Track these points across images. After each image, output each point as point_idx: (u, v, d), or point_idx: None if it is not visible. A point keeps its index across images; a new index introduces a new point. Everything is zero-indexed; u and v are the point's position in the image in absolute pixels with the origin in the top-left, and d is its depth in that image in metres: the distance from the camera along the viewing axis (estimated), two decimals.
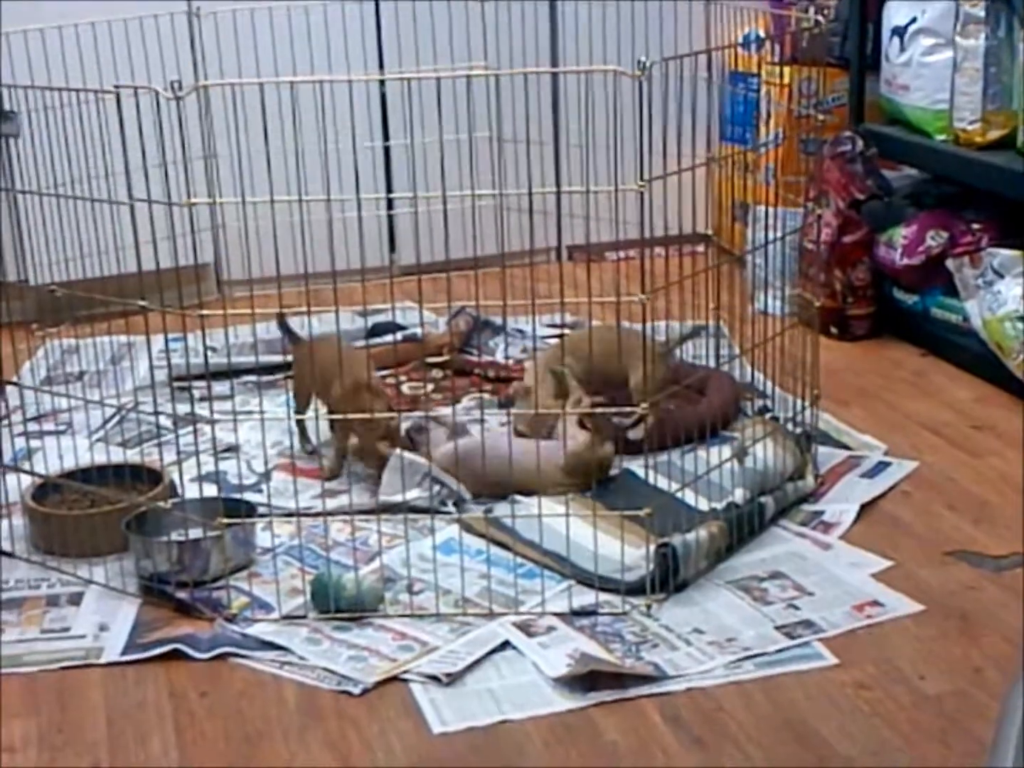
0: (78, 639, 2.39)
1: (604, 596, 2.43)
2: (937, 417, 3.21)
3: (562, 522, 2.47)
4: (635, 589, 2.43)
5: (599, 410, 2.79)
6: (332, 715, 2.17)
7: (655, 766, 2.03)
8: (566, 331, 3.54)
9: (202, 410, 2.95)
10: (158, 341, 3.05)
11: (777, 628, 2.35)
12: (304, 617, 2.41)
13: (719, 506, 2.62)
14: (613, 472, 2.85)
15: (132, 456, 3.01)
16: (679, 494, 2.60)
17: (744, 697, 2.18)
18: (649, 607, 2.41)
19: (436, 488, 2.76)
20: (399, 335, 3.58)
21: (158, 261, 2.39)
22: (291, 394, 3.09)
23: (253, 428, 3.05)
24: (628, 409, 2.75)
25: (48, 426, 3.16)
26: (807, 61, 3.66)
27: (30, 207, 2.90)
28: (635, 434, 2.92)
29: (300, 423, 3.04)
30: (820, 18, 2.80)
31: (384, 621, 2.39)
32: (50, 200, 2.78)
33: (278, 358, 3.36)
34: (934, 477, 2.91)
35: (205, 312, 2.39)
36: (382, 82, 4.04)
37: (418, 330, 3.54)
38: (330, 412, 2.93)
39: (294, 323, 3.43)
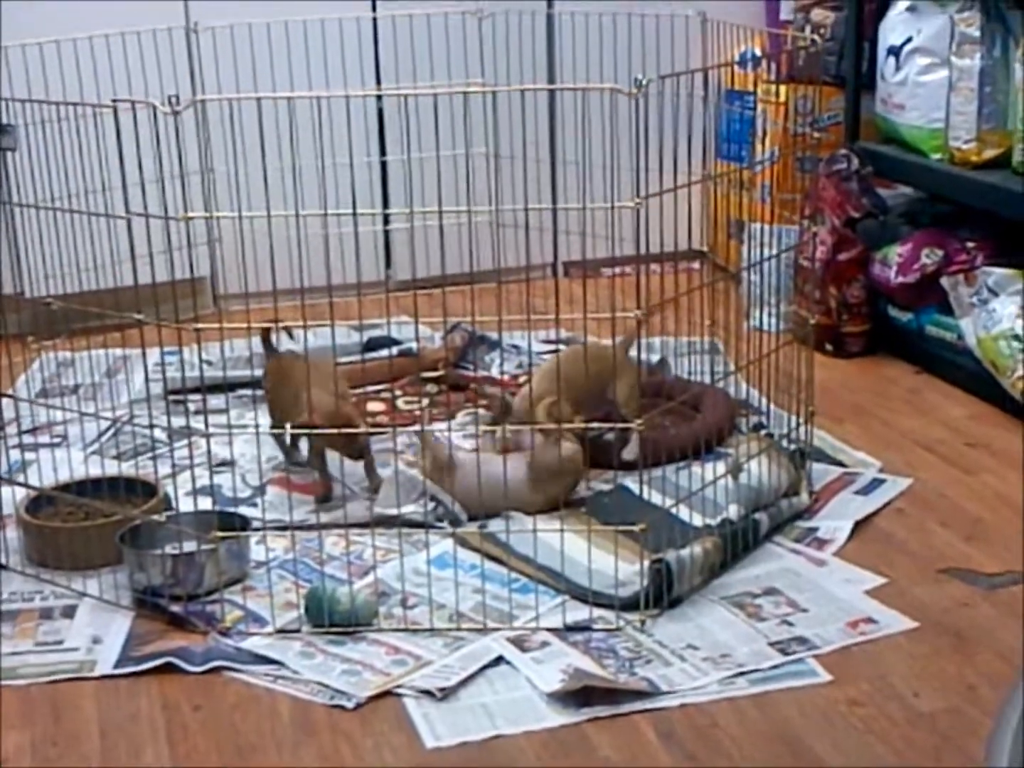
0: (71, 652, 2.39)
1: (598, 611, 2.43)
2: (931, 435, 3.21)
3: (556, 537, 2.48)
4: (629, 605, 2.43)
5: (596, 425, 2.80)
6: (325, 729, 2.17)
7: None
8: (558, 349, 3.55)
9: (197, 423, 2.96)
10: (154, 354, 3.05)
11: (771, 644, 2.35)
12: (298, 631, 2.41)
13: (713, 522, 2.62)
14: (607, 487, 2.85)
15: (127, 469, 3.00)
16: (673, 510, 2.60)
17: (738, 713, 2.18)
18: (643, 623, 2.41)
19: (431, 506, 2.76)
20: (395, 350, 3.58)
21: (154, 275, 2.39)
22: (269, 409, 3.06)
23: (248, 442, 3.05)
24: (622, 426, 2.75)
25: (43, 438, 3.16)
26: (803, 80, 3.67)
27: (27, 220, 2.91)
28: (629, 453, 2.91)
29: (280, 437, 3.04)
30: (816, 37, 2.81)
31: (378, 635, 2.39)
32: (47, 213, 2.79)
33: None
34: (928, 494, 2.91)
35: (201, 326, 2.39)
36: (379, 98, 4.05)
37: (414, 345, 3.54)
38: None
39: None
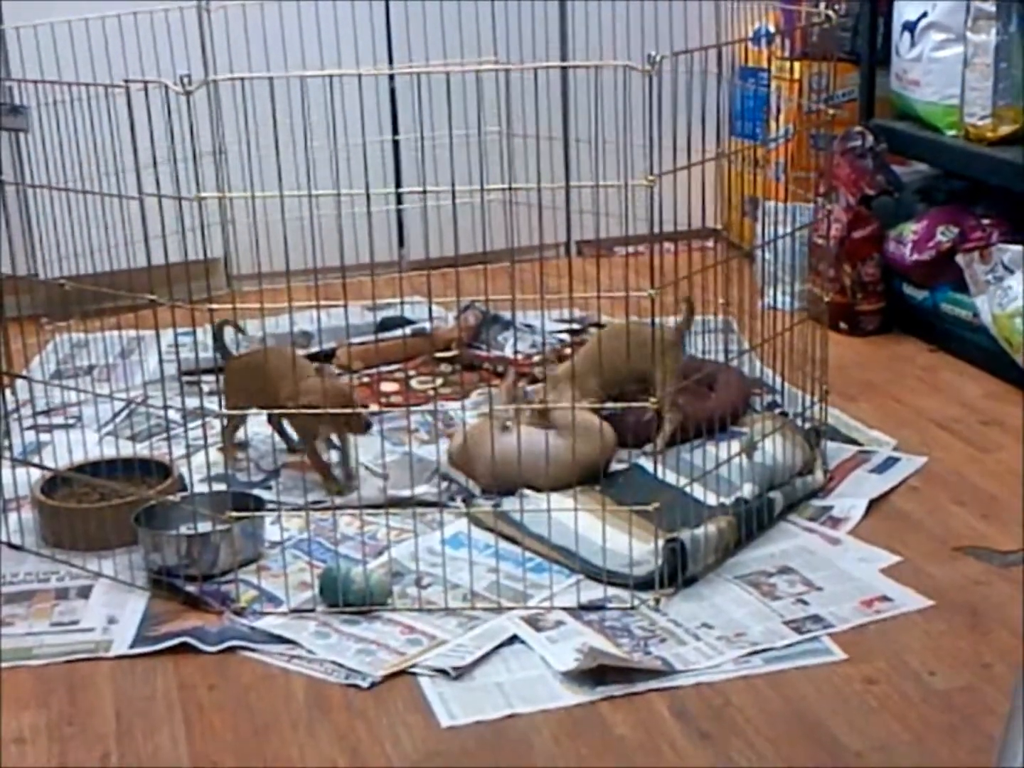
0: (87, 632, 2.40)
1: (612, 591, 2.43)
2: (946, 412, 3.20)
3: (570, 516, 2.47)
4: (643, 584, 2.43)
5: (614, 405, 2.80)
6: (340, 708, 2.17)
7: (663, 761, 2.04)
8: (572, 328, 3.54)
9: (211, 404, 2.96)
10: (167, 335, 3.05)
11: (786, 623, 2.35)
12: (312, 611, 2.41)
13: (728, 501, 2.62)
14: (621, 466, 2.85)
15: (141, 450, 3.01)
16: (688, 489, 2.60)
17: (752, 692, 2.18)
18: (658, 602, 2.41)
19: (445, 484, 2.77)
20: (408, 330, 3.58)
21: (167, 255, 2.40)
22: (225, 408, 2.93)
23: (262, 423, 3.05)
24: (638, 405, 2.75)
25: (57, 420, 3.17)
26: (817, 56, 3.65)
27: (40, 201, 2.91)
28: (661, 441, 2.90)
29: (235, 425, 2.95)
30: (830, 13, 2.79)
31: (392, 615, 2.40)
32: (60, 194, 2.79)
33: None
34: (943, 472, 2.90)
35: (214, 306, 2.40)
36: (391, 76, 4.05)
37: (427, 325, 3.55)
38: (286, 419, 2.89)
39: (303, 318, 3.44)
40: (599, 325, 3.59)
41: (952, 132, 3.61)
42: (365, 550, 2.53)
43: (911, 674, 2.21)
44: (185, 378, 3.21)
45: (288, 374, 2.74)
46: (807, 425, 2.89)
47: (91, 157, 2.83)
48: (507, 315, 3.63)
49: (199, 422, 2.89)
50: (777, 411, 3.01)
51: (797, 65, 3.96)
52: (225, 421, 2.93)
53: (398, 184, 4.14)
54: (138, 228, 2.41)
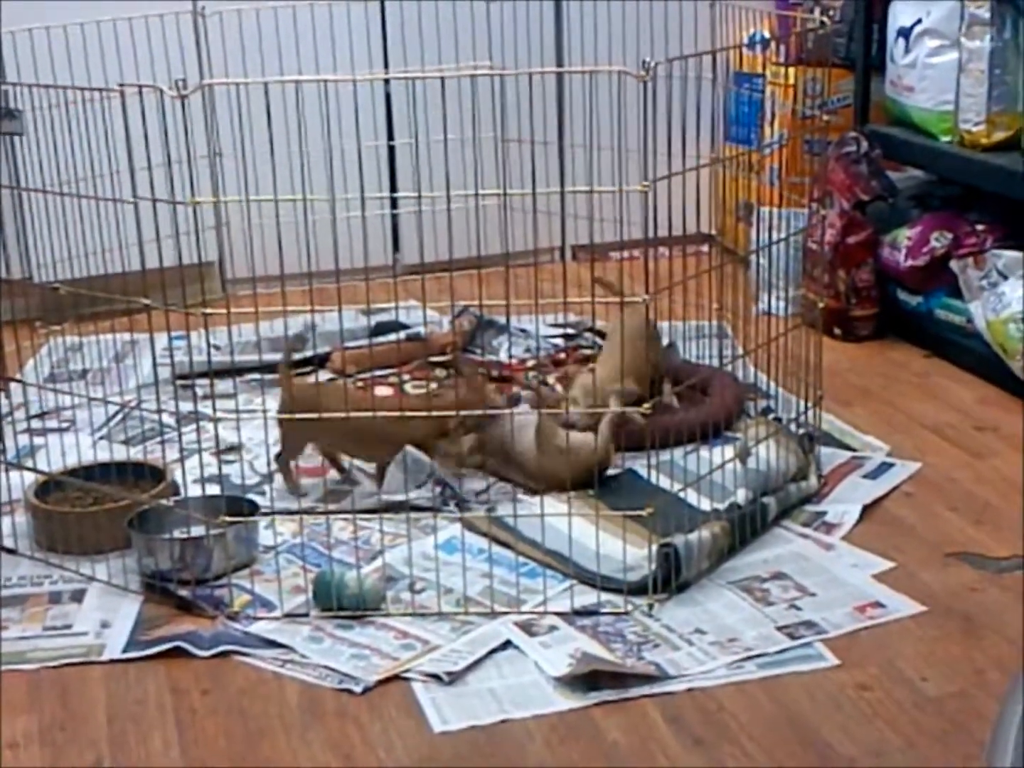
0: (80, 636, 2.39)
1: (606, 596, 2.43)
2: (940, 418, 3.21)
3: (564, 521, 2.47)
4: (637, 589, 2.43)
5: (601, 410, 2.80)
6: (333, 713, 2.17)
7: (656, 766, 2.04)
8: (567, 333, 3.54)
9: (205, 408, 2.96)
10: (162, 339, 3.05)
11: (779, 629, 2.35)
12: (306, 615, 2.41)
13: (721, 506, 2.62)
14: (615, 471, 2.85)
15: (135, 454, 3.01)
16: (681, 494, 2.60)
17: (745, 697, 2.18)
18: (651, 607, 2.41)
19: (438, 490, 2.77)
20: (402, 334, 3.58)
21: (162, 259, 2.39)
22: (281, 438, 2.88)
23: (257, 427, 3.05)
24: (631, 409, 2.75)
25: (51, 423, 3.16)
26: (812, 62, 3.66)
27: (35, 205, 2.91)
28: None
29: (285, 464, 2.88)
30: (825, 19, 2.80)
31: (386, 620, 2.40)
32: (55, 198, 2.78)
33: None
34: (937, 478, 2.90)
35: (209, 310, 2.40)
36: (386, 81, 4.05)
37: (421, 329, 3.55)
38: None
39: (298, 322, 3.44)
40: (593, 330, 3.60)
41: (946, 138, 3.61)
42: (359, 555, 2.53)
43: (904, 680, 2.21)
44: (179, 382, 3.20)
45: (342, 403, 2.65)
46: (801, 430, 2.89)
47: (86, 161, 2.83)
48: (502, 320, 3.62)
49: (193, 426, 2.88)
50: (771, 416, 3.01)
51: (792, 71, 3.96)
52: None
53: (393, 189, 4.13)
54: (133, 232, 2.41)
